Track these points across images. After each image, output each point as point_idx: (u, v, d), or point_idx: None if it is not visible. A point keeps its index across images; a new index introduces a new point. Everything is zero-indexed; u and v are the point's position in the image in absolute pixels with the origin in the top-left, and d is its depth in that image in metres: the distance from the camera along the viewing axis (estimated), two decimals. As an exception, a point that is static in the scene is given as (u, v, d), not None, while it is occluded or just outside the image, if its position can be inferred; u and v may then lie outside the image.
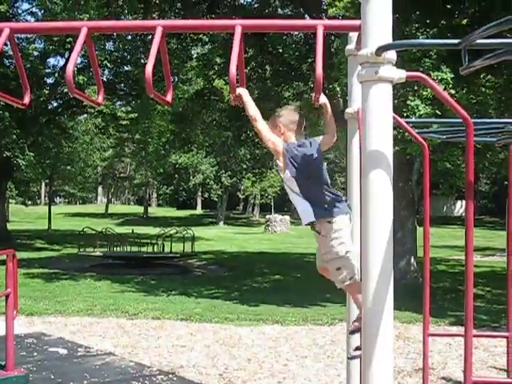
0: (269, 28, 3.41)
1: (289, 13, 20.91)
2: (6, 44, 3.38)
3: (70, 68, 3.09)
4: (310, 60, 20.07)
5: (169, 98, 3.47)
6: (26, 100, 3.54)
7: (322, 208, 3.98)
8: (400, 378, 7.75)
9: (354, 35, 3.54)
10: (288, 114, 4.20)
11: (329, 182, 4.08)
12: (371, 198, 2.57)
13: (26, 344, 9.51)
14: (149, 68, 2.95)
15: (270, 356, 9.02)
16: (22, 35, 26.40)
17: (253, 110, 3.83)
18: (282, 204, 68.56)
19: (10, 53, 28.75)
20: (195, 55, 23.97)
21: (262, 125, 3.93)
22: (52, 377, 7.77)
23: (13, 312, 5.61)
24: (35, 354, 9.04)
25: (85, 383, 7.58)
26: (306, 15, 19.81)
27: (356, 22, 2.84)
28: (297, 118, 4.20)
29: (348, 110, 3.81)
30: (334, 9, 13.03)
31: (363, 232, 2.65)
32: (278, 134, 4.11)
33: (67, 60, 32.49)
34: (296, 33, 19.41)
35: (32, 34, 7.98)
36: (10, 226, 37.62)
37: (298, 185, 4.03)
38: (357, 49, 3.08)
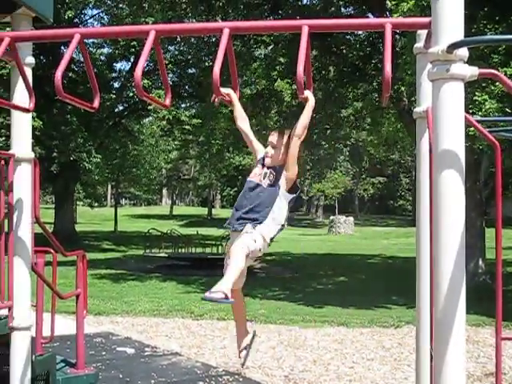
0: (336, 27, 3.36)
1: (352, 12, 20.75)
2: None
3: (139, 71, 3.12)
4: (374, 61, 19.88)
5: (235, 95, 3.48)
6: (96, 103, 3.59)
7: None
8: (470, 382, 7.59)
9: (422, 33, 3.47)
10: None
11: None
12: (443, 199, 2.52)
13: (94, 343, 9.69)
14: (216, 70, 2.95)
15: (335, 358, 8.96)
16: (89, 40, 26.95)
17: (304, 128, 3.88)
18: (346, 205, 68.15)
19: (78, 58, 29.41)
20: (258, 56, 23.98)
21: (298, 146, 3.97)
22: (120, 376, 7.90)
23: (83, 311, 5.72)
24: (104, 353, 9.20)
25: (152, 382, 7.67)
26: (370, 14, 19.64)
27: (425, 20, 2.78)
28: None
29: (417, 110, 3.73)
30: (397, 14, 12.88)
31: (435, 234, 2.59)
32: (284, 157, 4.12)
33: (133, 64, 33.04)
34: (360, 32, 19.25)
35: (101, 38, 8.13)
36: (77, 228, 38.40)
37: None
38: (426, 47, 3.02)
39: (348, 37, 20.19)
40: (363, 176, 69.31)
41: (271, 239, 4.08)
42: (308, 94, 3.62)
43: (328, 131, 24.12)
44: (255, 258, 4.19)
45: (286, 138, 4.09)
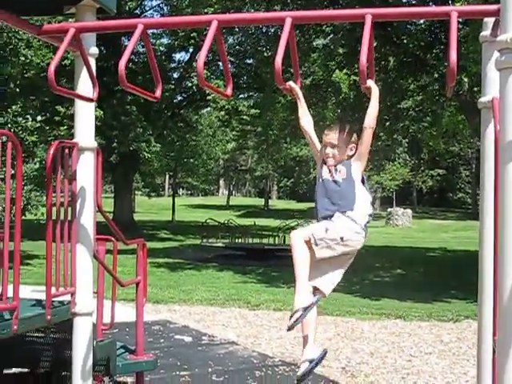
0: (399, 16, 3.33)
1: (413, 1, 20.44)
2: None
3: (201, 61, 3.14)
4: (435, 50, 19.55)
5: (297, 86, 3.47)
6: (158, 93, 3.62)
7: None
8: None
9: (489, 21, 3.40)
10: None
11: None
12: (509, 190, 2.46)
13: (152, 331, 9.82)
14: (278, 59, 2.95)
15: (392, 351, 8.89)
16: (149, 31, 27.30)
17: (375, 118, 3.77)
18: (404, 197, 67.38)
19: (137, 49, 29.75)
20: (317, 46, 23.79)
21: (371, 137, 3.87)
22: (178, 363, 7.99)
23: (142, 299, 5.79)
24: (162, 340, 9.32)
25: (209, 371, 7.74)
26: (431, 3, 19.33)
27: (493, 7, 2.72)
28: None
29: (482, 100, 3.66)
30: (460, 2, 12.65)
31: (500, 225, 2.54)
32: (349, 150, 4.00)
33: (192, 55, 33.22)
34: (421, 21, 18.93)
35: (163, 28, 8.22)
36: (135, 217, 38.90)
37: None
38: (493, 35, 2.96)
39: (409, 26, 19.90)
40: (422, 168, 68.41)
41: (365, 226, 3.96)
42: (371, 83, 3.57)
43: (387, 123, 23.83)
44: (349, 253, 3.95)
45: (344, 134, 4.01)
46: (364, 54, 2.82)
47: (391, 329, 10.49)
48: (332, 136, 3.99)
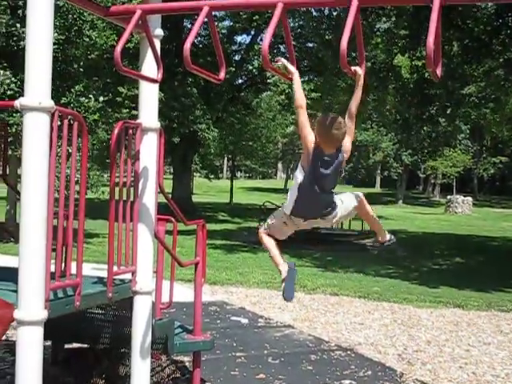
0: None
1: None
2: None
3: (266, 43, 3.13)
4: (501, 36, 19.08)
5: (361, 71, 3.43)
6: (222, 75, 3.64)
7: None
8: None
9: None
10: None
11: None
12: None
13: (209, 311, 9.90)
14: (344, 42, 2.92)
15: (450, 340, 8.78)
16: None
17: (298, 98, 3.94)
18: (465, 184, 66.29)
19: (199, 31, 29.83)
20: (379, 30, 23.49)
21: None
22: (234, 344, 8.05)
23: (201, 279, 5.83)
24: (218, 321, 9.40)
25: (265, 353, 7.77)
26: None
27: None
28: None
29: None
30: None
31: None
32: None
33: (253, 37, 33.16)
34: (489, 5, 18.46)
35: (228, 10, 8.26)
36: (193, 199, 39.20)
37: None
38: None
39: (474, 9, 19.47)
40: (484, 155, 67.10)
41: (291, 213, 4.46)
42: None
43: (448, 109, 23.41)
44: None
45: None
46: (431, 36, 2.77)
47: (449, 317, 10.36)
48: None
